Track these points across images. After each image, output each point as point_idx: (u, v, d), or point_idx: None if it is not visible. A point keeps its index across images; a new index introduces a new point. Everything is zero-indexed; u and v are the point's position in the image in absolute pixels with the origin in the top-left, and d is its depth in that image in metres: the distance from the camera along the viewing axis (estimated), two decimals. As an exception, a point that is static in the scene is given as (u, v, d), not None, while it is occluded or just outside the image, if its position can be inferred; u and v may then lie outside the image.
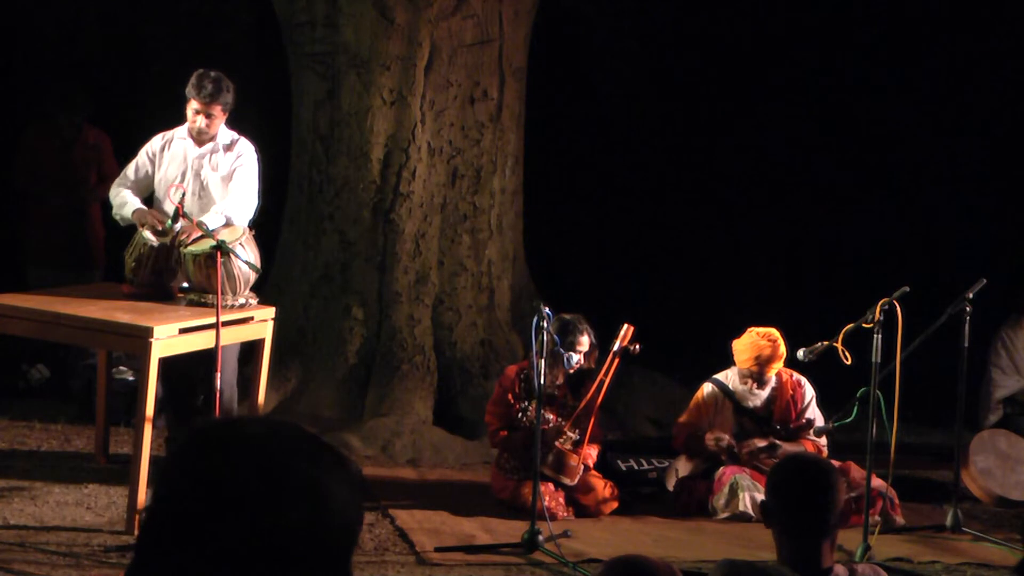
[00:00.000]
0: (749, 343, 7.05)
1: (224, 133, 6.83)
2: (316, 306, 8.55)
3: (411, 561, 6.04)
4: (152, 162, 6.86)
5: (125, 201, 6.76)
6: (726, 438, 7.00)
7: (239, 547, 1.46)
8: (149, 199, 6.89)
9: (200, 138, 6.79)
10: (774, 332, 7.04)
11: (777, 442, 6.97)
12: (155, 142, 6.90)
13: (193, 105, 6.71)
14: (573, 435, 6.89)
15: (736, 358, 7.10)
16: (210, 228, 6.38)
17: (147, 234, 6.56)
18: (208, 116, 6.70)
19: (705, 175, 10.94)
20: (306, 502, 1.49)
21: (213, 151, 6.81)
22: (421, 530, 6.44)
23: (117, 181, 6.91)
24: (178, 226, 6.60)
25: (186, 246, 6.38)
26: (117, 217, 6.83)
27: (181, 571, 1.47)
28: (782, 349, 7.01)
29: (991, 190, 10.48)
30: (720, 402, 7.15)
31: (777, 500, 3.22)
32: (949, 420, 6.98)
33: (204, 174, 6.80)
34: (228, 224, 6.59)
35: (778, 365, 7.05)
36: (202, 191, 6.80)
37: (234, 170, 6.80)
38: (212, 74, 6.69)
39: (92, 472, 7.00)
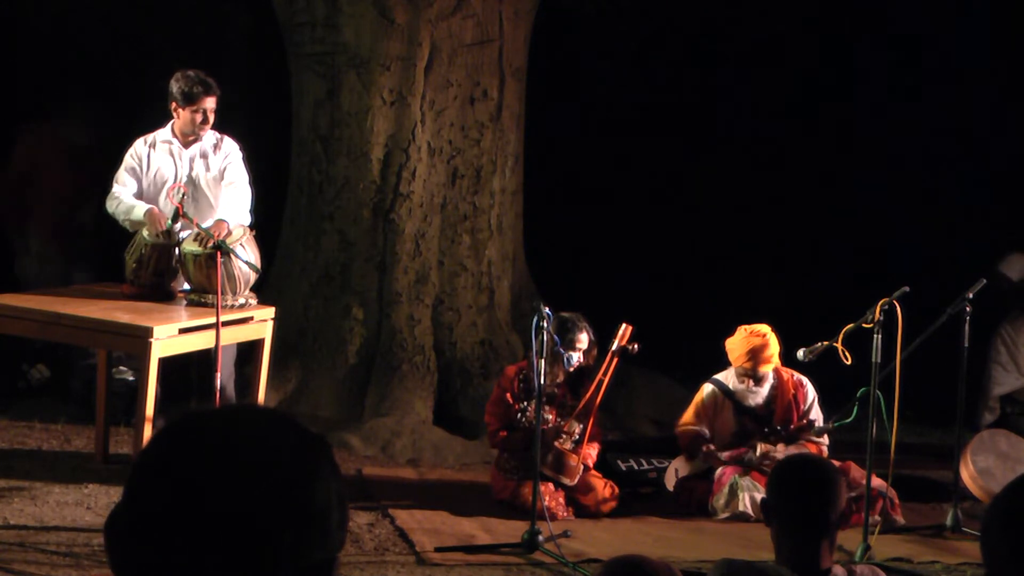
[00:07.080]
0: (740, 340, 7.06)
1: (208, 133, 6.85)
2: (316, 306, 8.55)
3: (411, 561, 6.03)
4: (140, 166, 6.86)
5: (132, 204, 6.75)
6: (714, 453, 7.03)
7: (221, 538, 1.42)
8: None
9: (186, 139, 6.80)
10: (764, 327, 7.05)
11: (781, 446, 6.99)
12: (138, 145, 6.90)
13: (194, 105, 6.70)
14: (573, 435, 6.89)
15: (730, 357, 7.11)
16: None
17: (147, 234, 6.57)
18: (209, 110, 6.72)
19: (705, 174, 10.93)
20: (287, 491, 1.45)
21: (203, 152, 6.83)
22: (421, 530, 6.44)
23: (113, 192, 6.87)
24: (178, 226, 6.61)
25: (216, 243, 6.26)
26: (126, 224, 6.81)
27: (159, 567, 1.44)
28: (773, 343, 7.01)
29: (991, 190, 10.47)
30: (720, 402, 7.15)
31: (778, 499, 3.23)
32: (949, 420, 6.98)
33: (197, 174, 6.82)
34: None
35: (772, 359, 7.04)
36: (196, 191, 6.82)
37: (224, 168, 6.80)
38: (191, 72, 6.72)
39: (92, 472, 6.99)
